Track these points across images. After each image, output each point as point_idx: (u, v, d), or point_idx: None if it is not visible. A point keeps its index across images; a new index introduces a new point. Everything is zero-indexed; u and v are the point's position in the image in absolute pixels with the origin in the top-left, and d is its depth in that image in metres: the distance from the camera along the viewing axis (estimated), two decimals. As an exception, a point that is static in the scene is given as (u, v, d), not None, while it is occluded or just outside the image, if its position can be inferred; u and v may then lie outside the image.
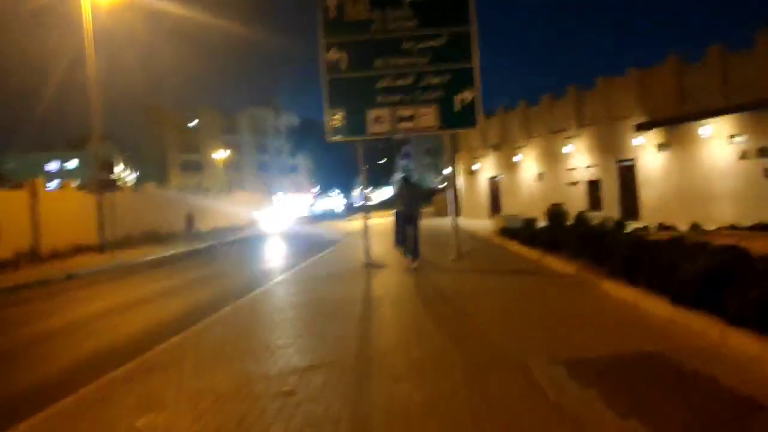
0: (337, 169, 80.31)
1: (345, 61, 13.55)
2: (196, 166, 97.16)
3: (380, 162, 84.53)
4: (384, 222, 32.99)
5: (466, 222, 32.31)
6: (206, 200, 49.37)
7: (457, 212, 42.20)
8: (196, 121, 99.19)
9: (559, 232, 14.16)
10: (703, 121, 20.47)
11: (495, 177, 33.63)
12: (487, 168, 34.37)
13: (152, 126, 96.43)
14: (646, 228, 17.57)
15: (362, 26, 13.57)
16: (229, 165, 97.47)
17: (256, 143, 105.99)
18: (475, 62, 13.56)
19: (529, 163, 30.31)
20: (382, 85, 13.54)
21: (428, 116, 13.51)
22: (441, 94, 13.51)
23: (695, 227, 17.25)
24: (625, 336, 5.90)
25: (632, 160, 23.91)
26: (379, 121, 13.53)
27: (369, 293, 9.87)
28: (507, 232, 18.73)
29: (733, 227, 14.96)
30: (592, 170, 26.03)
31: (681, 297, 6.28)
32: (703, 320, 5.78)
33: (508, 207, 31.52)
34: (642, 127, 22.84)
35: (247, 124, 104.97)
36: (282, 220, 44.56)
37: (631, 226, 18.70)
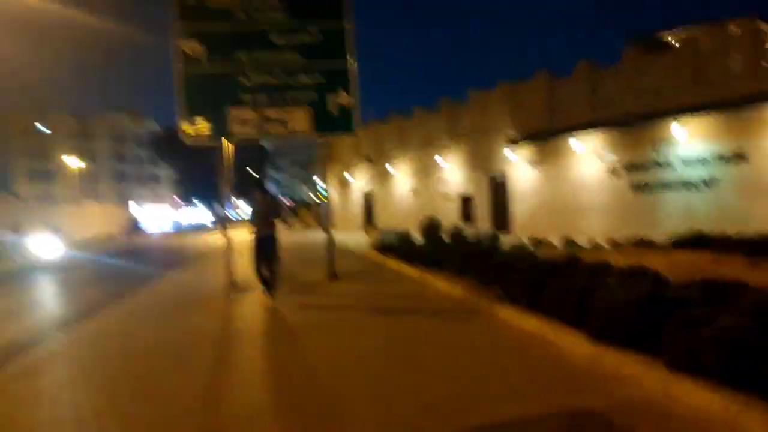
0: (205, 180, 76.37)
1: (203, 54, 11.76)
2: (46, 175, 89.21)
3: (252, 174, 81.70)
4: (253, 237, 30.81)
5: (339, 236, 31.05)
6: (47, 212, 44.48)
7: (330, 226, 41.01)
8: (44, 127, 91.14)
9: (439, 249, 13.21)
10: (573, 136, 20.65)
11: (369, 190, 32.77)
12: (360, 180, 33.45)
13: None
14: (522, 244, 17.19)
15: (224, 14, 11.85)
16: (84, 174, 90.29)
17: (114, 151, 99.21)
18: (351, 63, 12.30)
19: (403, 176, 29.68)
20: (247, 83, 11.89)
21: (300, 119, 12.03)
22: (314, 95, 12.09)
23: (571, 243, 17.10)
24: (544, 385, 4.72)
25: (504, 174, 23.83)
26: (244, 122, 11.86)
27: (223, 331, 8.15)
28: (384, 247, 17.63)
29: (616, 244, 14.71)
30: (464, 185, 25.75)
31: (602, 331, 5.26)
32: (634, 363, 4.75)
33: (383, 221, 30.67)
34: (513, 142, 22.80)
35: (103, 131, 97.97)
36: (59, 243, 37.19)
37: (506, 240, 18.35)
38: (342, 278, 12.63)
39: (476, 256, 10.54)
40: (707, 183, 17.54)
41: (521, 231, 21.60)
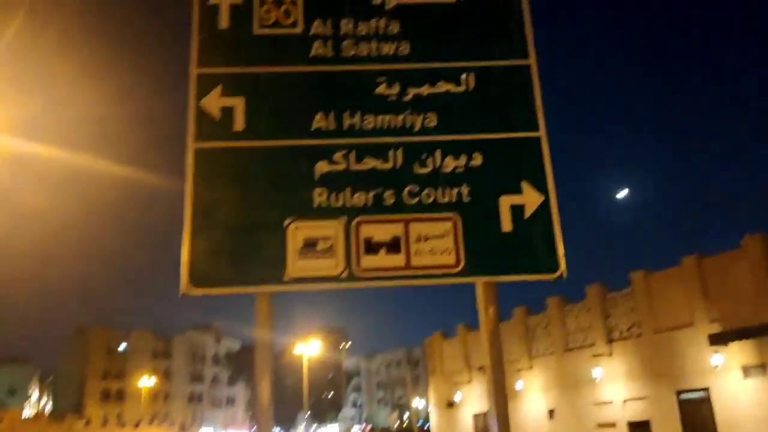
0: (278, 402, 69.00)
1: (242, 115, 5.75)
2: (119, 395, 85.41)
3: (326, 395, 73.52)
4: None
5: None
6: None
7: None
8: (125, 345, 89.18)
9: None
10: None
11: (484, 412, 24.57)
12: (471, 399, 25.33)
13: (76, 348, 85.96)
14: None
15: (287, 45, 6.03)
16: (157, 394, 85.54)
17: (191, 370, 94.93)
18: (542, 128, 5.94)
19: (535, 394, 21.73)
20: (326, 170, 5.62)
21: (439, 244, 5.43)
22: (467, 192, 5.56)
23: None
24: None
25: (705, 390, 15.85)
26: (314, 252, 5.34)
27: None
28: None
29: None
30: (636, 405, 17.68)
31: None
32: None
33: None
34: (719, 339, 15.23)
35: (183, 349, 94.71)
36: None
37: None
38: None
39: None
40: None
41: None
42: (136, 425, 53.05)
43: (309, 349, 45.28)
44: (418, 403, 79.53)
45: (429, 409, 30.12)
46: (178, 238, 5.47)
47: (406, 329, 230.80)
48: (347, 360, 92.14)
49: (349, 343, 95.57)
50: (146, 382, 64.31)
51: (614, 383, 18.28)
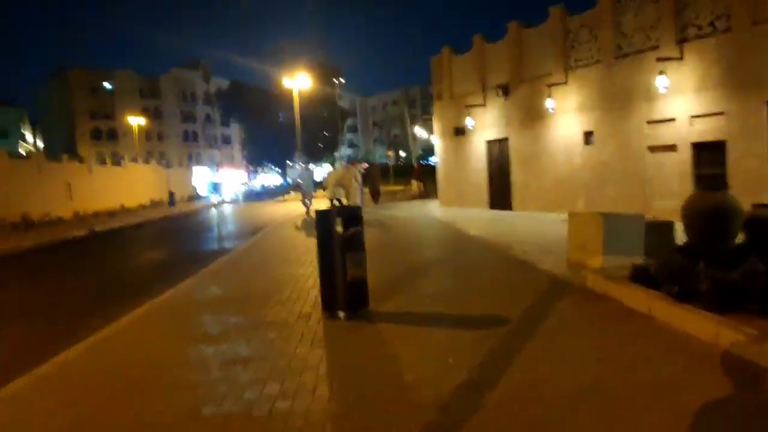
0: (272, 141, 66.23)
1: None
2: (111, 134, 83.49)
3: (324, 133, 70.69)
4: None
5: (453, 213, 19.75)
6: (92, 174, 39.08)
7: (426, 195, 29.61)
8: (109, 84, 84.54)
9: None
10: None
11: (502, 139, 20.69)
12: (487, 125, 21.36)
13: (59, 89, 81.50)
14: None
15: None
16: (150, 133, 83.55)
17: (182, 110, 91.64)
18: None
19: (570, 115, 17.68)
20: None
21: None
22: None
23: None
24: None
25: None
26: None
27: None
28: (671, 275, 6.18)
29: None
30: (708, 123, 13.71)
31: None
32: None
33: (527, 193, 19.06)
34: None
35: (170, 89, 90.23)
36: None
37: None
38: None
39: None
40: None
41: None
42: (134, 160, 51.36)
43: (299, 82, 40.68)
44: (416, 134, 77.62)
45: (432, 139, 26.79)
46: None
47: (406, 70, 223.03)
48: (342, 100, 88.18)
49: (343, 81, 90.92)
50: (137, 120, 60.90)
51: (681, 96, 14.04)
